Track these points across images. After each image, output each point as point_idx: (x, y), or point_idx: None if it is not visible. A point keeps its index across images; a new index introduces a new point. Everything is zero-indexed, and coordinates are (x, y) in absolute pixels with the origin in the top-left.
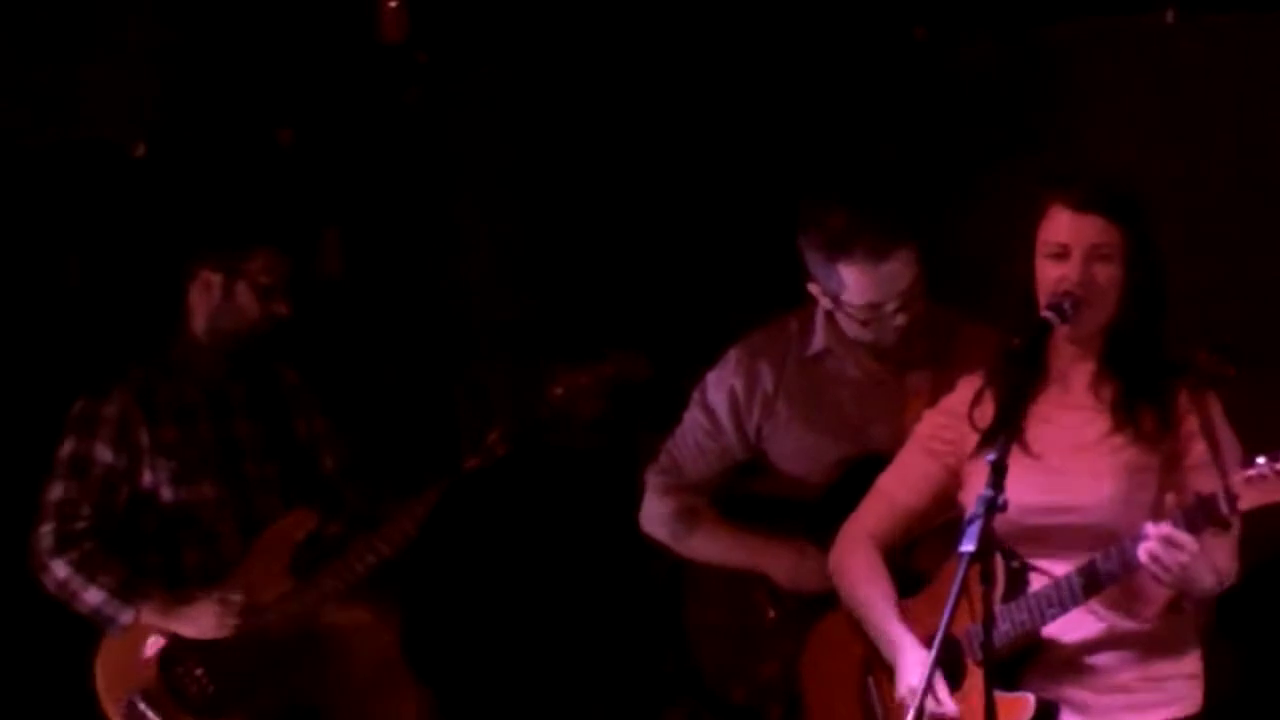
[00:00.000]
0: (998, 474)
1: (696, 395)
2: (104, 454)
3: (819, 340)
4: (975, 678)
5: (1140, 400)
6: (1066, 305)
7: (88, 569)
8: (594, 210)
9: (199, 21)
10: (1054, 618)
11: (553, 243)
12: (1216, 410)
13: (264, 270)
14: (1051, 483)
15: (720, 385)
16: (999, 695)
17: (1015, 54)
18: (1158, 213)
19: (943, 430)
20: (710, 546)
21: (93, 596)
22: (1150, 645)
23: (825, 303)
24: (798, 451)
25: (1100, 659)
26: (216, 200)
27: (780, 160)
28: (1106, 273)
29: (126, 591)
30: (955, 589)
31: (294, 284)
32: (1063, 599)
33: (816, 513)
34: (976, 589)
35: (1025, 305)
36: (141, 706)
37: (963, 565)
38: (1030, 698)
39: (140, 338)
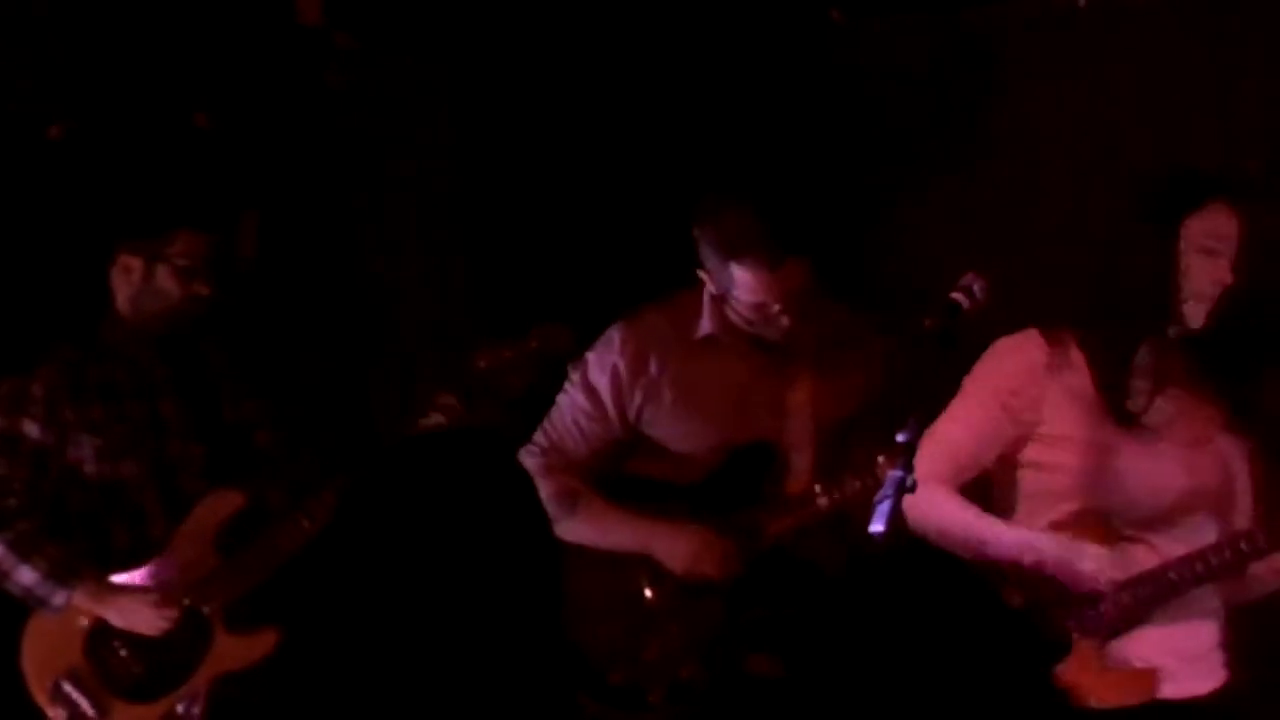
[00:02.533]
0: (909, 455)
1: (576, 375)
2: (32, 430)
3: (705, 325)
4: (1082, 648)
5: (1241, 385)
6: (975, 287)
7: (21, 548)
8: (517, 194)
9: (115, 3)
10: (1183, 594)
11: (476, 226)
12: None
13: (184, 253)
14: (1161, 468)
15: (603, 365)
16: (1128, 670)
17: (931, 37)
18: (1081, 194)
19: (1025, 386)
20: (593, 528)
21: (25, 577)
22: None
23: (713, 289)
24: (681, 434)
25: (1181, 625)
26: (134, 184)
27: (699, 145)
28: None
29: (61, 573)
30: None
31: (216, 264)
32: (1188, 578)
33: (698, 496)
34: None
35: (1161, 295)
36: (68, 688)
37: (875, 546)
38: (1154, 670)
39: (63, 319)
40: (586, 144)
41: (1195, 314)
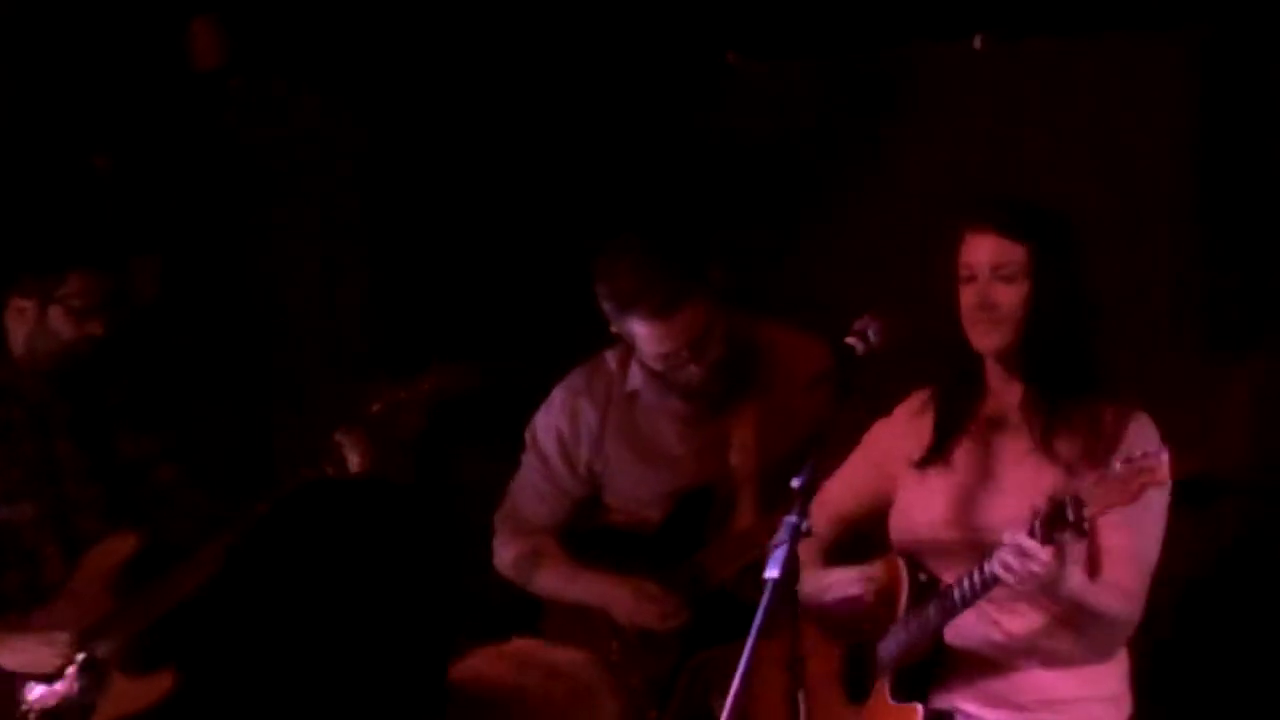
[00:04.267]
0: (804, 500)
1: (528, 438)
2: None
3: (634, 378)
4: (881, 688)
5: (1059, 419)
6: (870, 331)
7: None
8: (420, 227)
9: (12, 45)
10: (938, 627)
11: (377, 260)
12: (1143, 426)
13: (78, 294)
14: (965, 500)
15: (548, 428)
16: (892, 705)
17: (826, 80)
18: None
19: (893, 442)
20: (554, 584)
21: None
22: (1058, 662)
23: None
24: (631, 486)
25: (1002, 675)
26: (28, 226)
27: (595, 182)
28: (1009, 293)
29: None
30: (759, 616)
31: (110, 304)
32: (945, 609)
33: (655, 545)
34: (900, 599)
35: (955, 330)
36: None
37: (767, 592)
38: (919, 708)
39: None
40: (487, 178)
41: (978, 340)
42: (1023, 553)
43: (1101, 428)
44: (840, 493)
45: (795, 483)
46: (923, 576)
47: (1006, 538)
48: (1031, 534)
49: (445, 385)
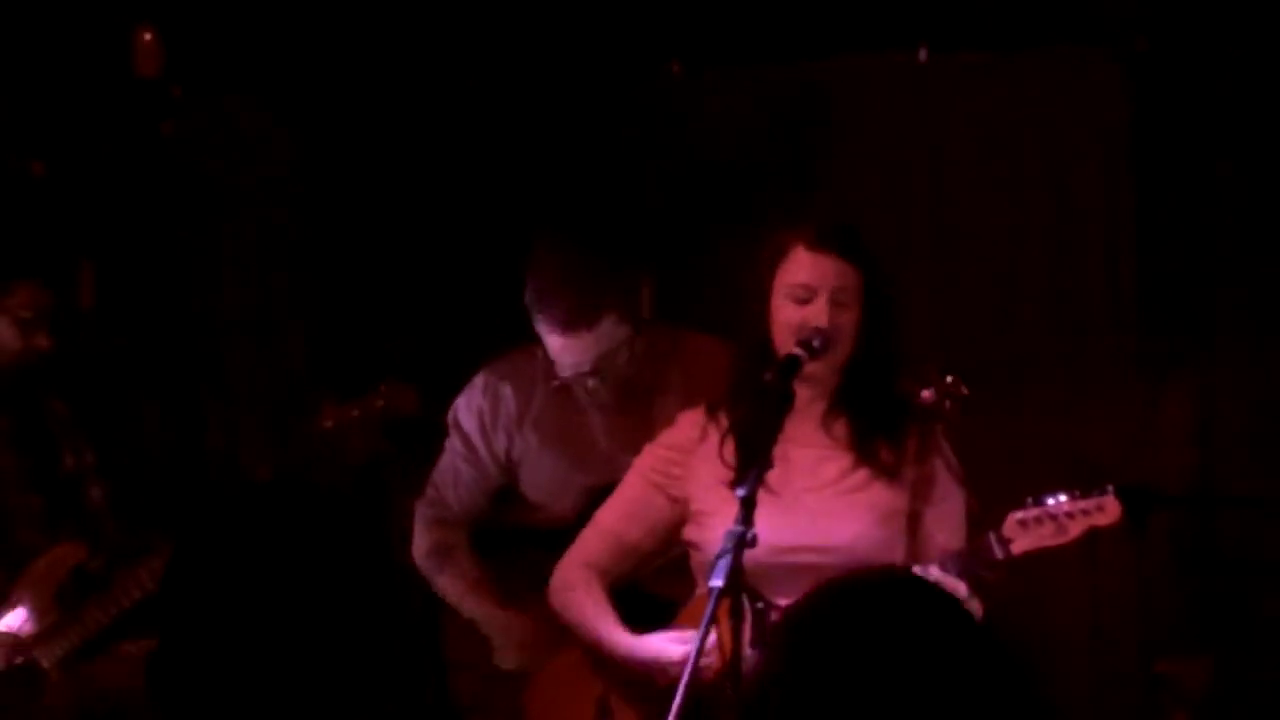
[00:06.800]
0: (748, 509)
1: (450, 421)
2: None
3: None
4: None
5: (875, 437)
6: (816, 342)
7: None
8: (357, 241)
9: None
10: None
11: (315, 274)
12: (946, 444)
13: (24, 305)
14: (795, 522)
15: (469, 409)
16: None
17: (770, 89)
18: (909, 249)
19: (667, 465)
20: (450, 592)
21: None
22: None
23: None
24: (548, 480)
25: None
26: None
27: (536, 196)
28: (847, 315)
29: None
30: (704, 626)
31: (55, 315)
32: None
33: (567, 541)
34: (726, 625)
35: (761, 344)
36: None
37: (712, 601)
38: None
39: None
40: (422, 189)
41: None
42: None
43: (909, 445)
44: (623, 522)
45: (740, 492)
46: (759, 604)
47: (919, 572)
48: (946, 569)
49: (397, 405)
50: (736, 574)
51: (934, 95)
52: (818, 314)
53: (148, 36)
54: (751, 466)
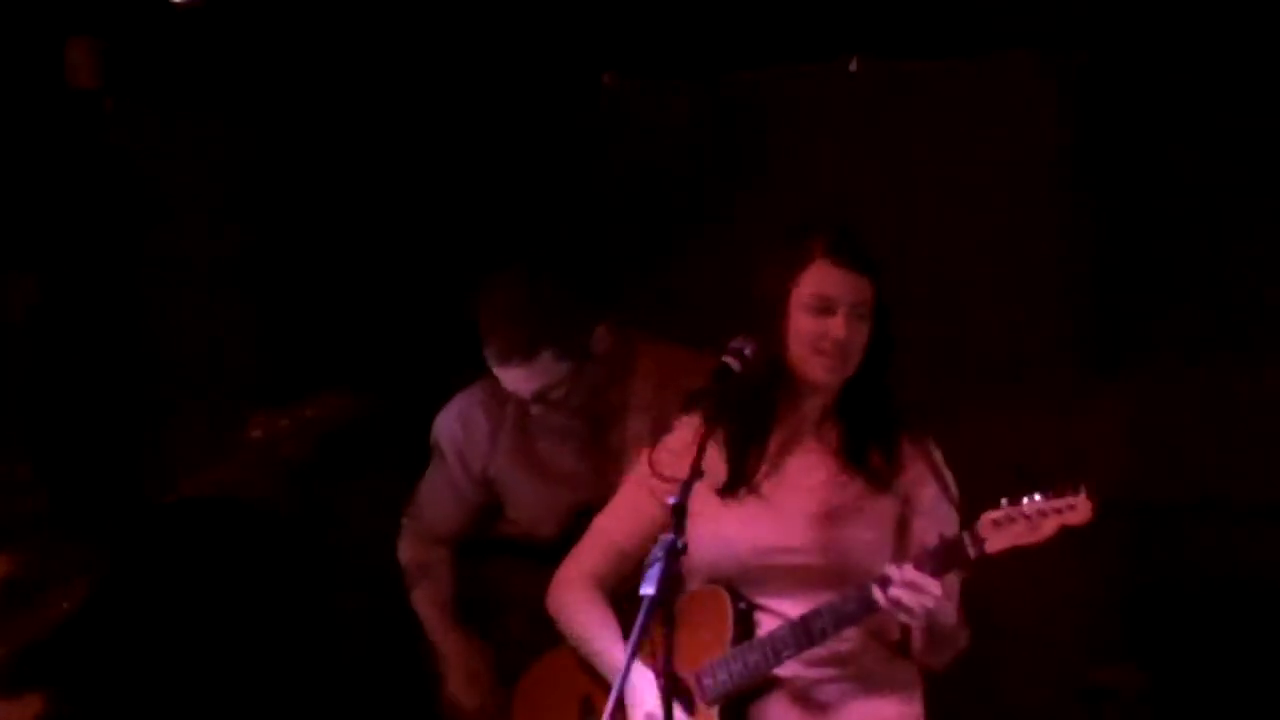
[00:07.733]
0: (678, 518)
1: (432, 439)
2: None
3: None
4: (704, 717)
5: (868, 445)
6: (747, 350)
7: None
8: (296, 255)
9: None
10: (789, 658)
11: (260, 284)
12: (938, 454)
13: None
14: (776, 524)
15: (445, 430)
16: None
17: (701, 100)
18: None
19: (662, 470)
20: (418, 609)
21: None
22: (874, 685)
23: None
24: (530, 499)
25: (824, 695)
26: None
27: (477, 209)
28: (863, 329)
29: None
30: (636, 633)
31: None
32: (799, 640)
33: (554, 556)
34: (703, 628)
35: (773, 355)
36: None
37: (644, 609)
38: None
39: None
40: (375, 201)
41: (817, 371)
42: (915, 587)
43: (901, 452)
44: (619, 527)
45: (670, 500)
46: (742, 605)
47: (893, 572)
48: (920, 567)
49: (328, 415)
50: (667, 582)
51: (870, 104)
52: (837, 327)
53: (83, 48)
54: (688, 475)
